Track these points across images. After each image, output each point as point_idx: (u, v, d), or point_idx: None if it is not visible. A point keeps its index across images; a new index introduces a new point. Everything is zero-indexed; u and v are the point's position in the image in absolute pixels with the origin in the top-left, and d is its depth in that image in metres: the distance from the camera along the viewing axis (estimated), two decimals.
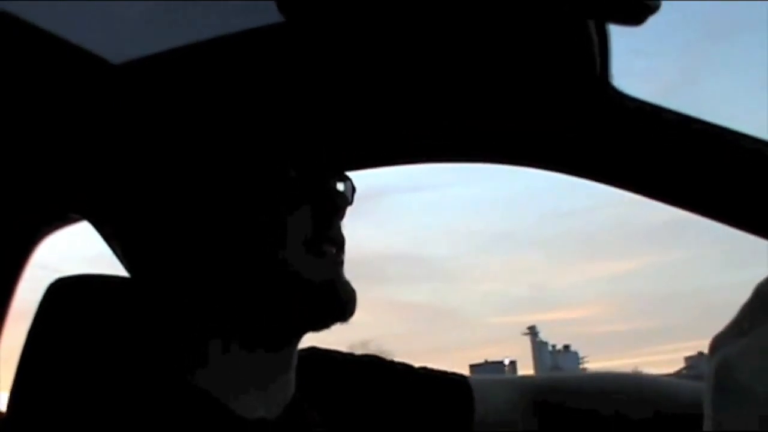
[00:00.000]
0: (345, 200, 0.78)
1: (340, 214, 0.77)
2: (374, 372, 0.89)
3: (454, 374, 0.92)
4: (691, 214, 0.93)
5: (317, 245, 0.73)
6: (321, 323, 0.76)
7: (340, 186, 0.80)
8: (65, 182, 1.05)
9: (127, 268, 0.81)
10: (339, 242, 0.76)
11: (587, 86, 0.90)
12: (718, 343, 0.50)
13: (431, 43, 0.84)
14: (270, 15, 0.78)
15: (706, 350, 0.51)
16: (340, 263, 0.76)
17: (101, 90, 0.91)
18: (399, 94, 0.95)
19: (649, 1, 0.71)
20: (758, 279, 0.51)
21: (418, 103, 0.97)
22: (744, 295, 0.51)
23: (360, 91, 0.95)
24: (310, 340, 0.81)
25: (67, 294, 0.84)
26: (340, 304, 0.74)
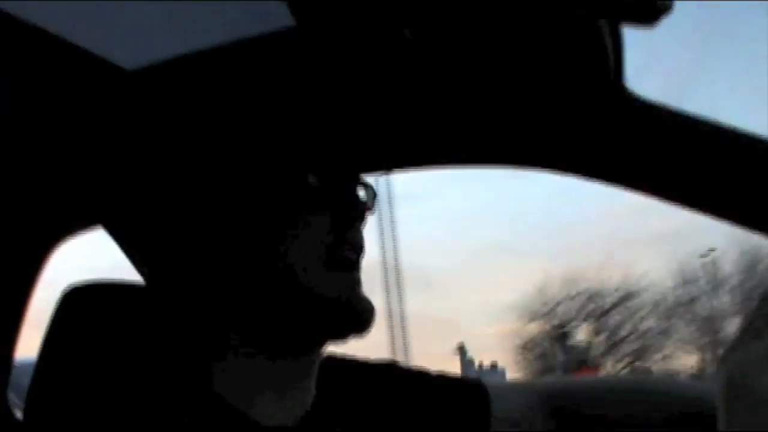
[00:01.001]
0: (365, 206, 0.78)
1: (361, 220, 0.77)
2: (391, 378, 0.88)
3: (471, 379, 0.92)
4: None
5: (337, 252, 0.73)
6: (338, 336, 0.75)
7: (361, 192, 0.80)
8: (80, 189, 1.05)
9: (143, 274, 0.81)
10: (359, 249, 0.76)
11: (601, 88, 0.89)
12: (730, 350, 0.50)
13: (445, 45, 0.84)
14: (285, 19, 0.78)
15: None
16: (358, 276, 0.76)
17: (115, 97, 0.91)
18: (415, 97, 0.95)
19: (661, 1, 0.71)
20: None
21: (433, 106, 0.97)
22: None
23: (375, 95, 0.94)
24: None
25: (81, 301, 0.84)
26: (356, 317, 0.74)
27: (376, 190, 0.81)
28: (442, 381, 0.90)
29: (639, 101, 0.90)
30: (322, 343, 0.76)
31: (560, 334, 24.63)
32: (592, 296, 25.65)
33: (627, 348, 25.01)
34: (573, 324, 25.52)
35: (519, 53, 0.86)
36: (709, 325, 22.97)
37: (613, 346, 25.04)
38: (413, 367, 0.92)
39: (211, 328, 0.73)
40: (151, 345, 0.81)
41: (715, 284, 23.45)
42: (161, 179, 0.76)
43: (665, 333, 24.36)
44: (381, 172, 1.02)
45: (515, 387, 0.95)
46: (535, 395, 0.91)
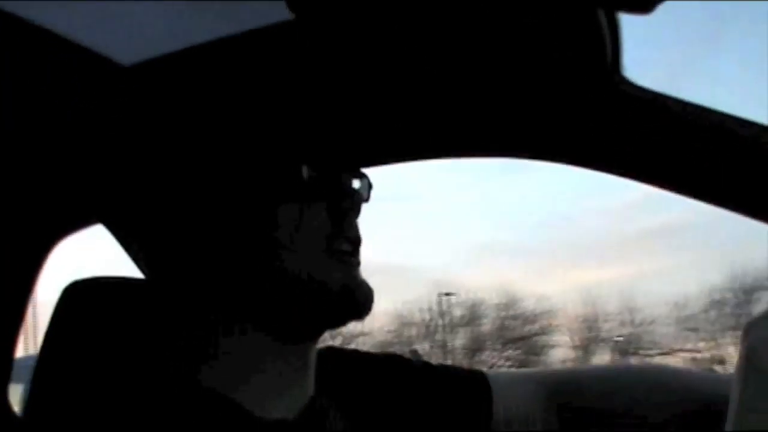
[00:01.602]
0: (360, 198, 0.78)
1: (356, 211, 0.77)
2: (393, 370, 0.89)
3: (472, 371, 0.92)
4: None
5: (335, 241, 0.73)
6: (338, 323, 0.76)
7: (356, 183, 0.80)
8: (79, 186, 1.05)
9: (143, 269, 0.81)
10: (356, 241, 0.76)
11: (598, 77, 0.89)
12: (751, 326, 0.51)
13: (442, 35, 0.84)
14: (281, 13, 0.78)
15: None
16: (357, 263, 0.76)
17: (112, 92, 0.91)
18: (412, 89, 0.95)
19: None
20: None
21: (430, 98, 0.97)
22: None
23: (372, 87, 0.94)
24: None
25: (83, 296, 0.84)
26: (356, 305, 0.74)
27: (371, 181, 0.81)
28: (443, 372, 0.90)
29: (637, 90, 0.90)
30: (322, 330, 0.76)
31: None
32: None
33: None
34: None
35: (516, 44, 0.86)
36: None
37: None
38: (414, 359, 0.92)
39: (211, 321, 0.73)
40: (151, 340, 0.81)
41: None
42: (160, 174, 0.77)
43: None
44: (378, 164, 1.02)
45: (519, 378, 0.94)
46: (538, 386, 0.90)
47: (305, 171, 0.73)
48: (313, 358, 0.78)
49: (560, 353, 25.63)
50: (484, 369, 0.95)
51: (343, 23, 0.82)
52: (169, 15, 0.82)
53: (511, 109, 0.97)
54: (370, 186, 0.81)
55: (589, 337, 25.93)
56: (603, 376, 0.93)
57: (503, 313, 26.50)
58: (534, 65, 0.90)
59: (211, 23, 0.83)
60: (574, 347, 25.53)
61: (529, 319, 26.15)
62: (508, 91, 0.94)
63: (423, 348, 23.95)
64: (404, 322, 26.57)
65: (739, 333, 0.52)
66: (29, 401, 0.83)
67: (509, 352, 25.81)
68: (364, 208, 0.80)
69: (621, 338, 25.07)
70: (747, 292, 22.06)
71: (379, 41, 0.85)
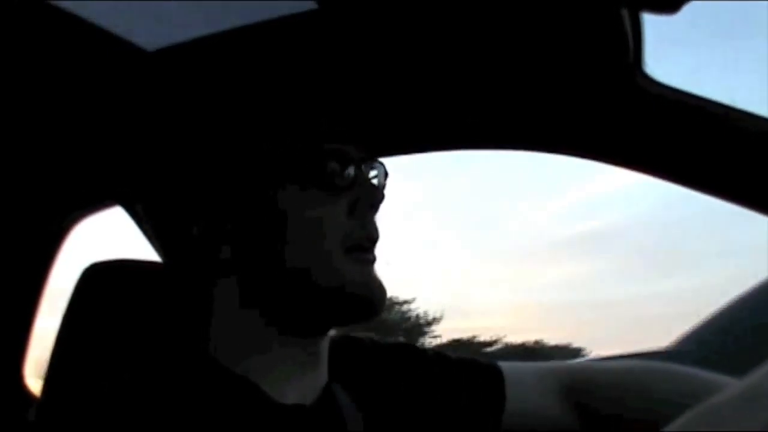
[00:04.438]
0: (382, 193, 0.77)
1: (376, 207, 0.76)
2: (406, 358, 0.89)
3: (486, 362, 0.92)
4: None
5: (354, 236, 0.73)
6: (349, 321, 0.75)
7: (373, 172, 0.79)
8: (98, 168, 1.05)
9: (161, 252, 0.82)
10: (374, 237, 0.76)
11: (619, 73, 0.89)
12: None
13: (463, 28, 0.84)
14: (306, 3, 0.78)
15: None
16: (374, 259, 0.75)
17: (135, 76, 0.92)
18: (429, 80, 0.95)
19: None
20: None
21: (448, 89, 0.97)
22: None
23: (389, 77, 0.94)
24: None
25: (102, 278, 0.85)
26: (369, 305, 0.74)
27: (386, 169, 0.80)
28: (456, 362, 0.90)
29: (658, 88, 0.90)
30: (334, 326, 0.76)
31: None
32: None
33: None
34: None
35: (539, 37, 0.86)
36: None
37: None
38: (428, 349, 0.92)
39: (228, 306, 0.74)
40: (170, 323, 0.81)
41: None
42: (179, 159, 0.77)
43: None
44: (398, 153, 1.02)
45: (532, 371, 0.94)
46: (552, 379, 0.90)
47: (329, 165, 0.73)
48: (325, 346, 0.78)
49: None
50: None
51: (364, 12, 0.82)
52: (192, 2, 0.83)
53: (532, 103, 0.97)
54: (386, 174, 0.80)
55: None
56: (617, 369, 0.93)
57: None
58: (556, 61, 0.90)
59: (232, 11, 0.84)
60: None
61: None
62: (530, 85, 0.94)
63: None
64: None
65: None
66: (46, 383, 0.84)
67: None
68: None
69: None
70: None
71: (398, 30, 0.85)
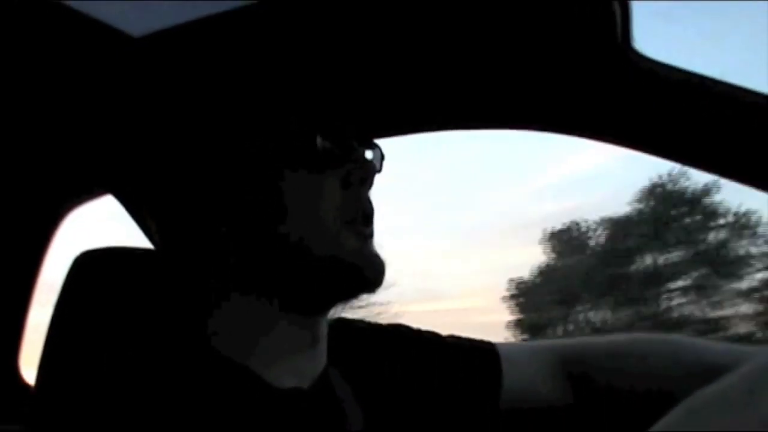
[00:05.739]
0: (374, 168, 0.77)
1: (369, 182, 0.76)
2: (402, 341, 0.89)
3: (482, 342, 0.92)
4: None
5: (348, 211, 0.73)
6: (348, 296, 0.75)
7: (369, 154, 0.79)
8: (89, 156, 1.05)
9: (151, 238, 0.81)
10: (369, 212, 0.76)
11: (608, 49, 0.89)
12: None
13: (450, 6, 0.84)
14: None
15: None
16: (370, 234, 0.75)
17: (123, 63, 0.91)
18: (422, 60, 0.95)
19: None
20: None
21: (439, 70, 0.97)
22: None
23: (384, 59, 0.94)
24: None
25: (94, 266, 0.84)
26: (367, 278, 0.74)
27: (383, 152, 0.80)
28: (453, 344, 0.90)
29: (647, 63, 0.90)
30: (332, 302, 0.76)
31: None
32: None
33: None
34: None
35: (526, 12, 0.85)
36: None
37: None
38: (423, 330, 0.92)
39: (225, 291, 0.73)
40: (163, 310, 0.81)
41: None
42: (170, 145, 0.76)
43: None
44: (394, 134, 1.02)
45: (529, 349, 0.94)
46: (549, 357, 0.90)
47: (318, 140, 0.73)
48: (324, 329, 0.78)
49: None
50: None
51: None
52: None
53: (523, 82, 0.97)
54: (382, 156, 0.80)
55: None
56: (614, 346, 0.93)
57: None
58: (543, 37, 0.89)
59: None
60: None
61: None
62: (520, 63, 0.94)
63: None
64: None
65: None
66: (39, 373, 0.83)
67: None
68: None
69: None
70: None
71: (392, 12, 0.84)
